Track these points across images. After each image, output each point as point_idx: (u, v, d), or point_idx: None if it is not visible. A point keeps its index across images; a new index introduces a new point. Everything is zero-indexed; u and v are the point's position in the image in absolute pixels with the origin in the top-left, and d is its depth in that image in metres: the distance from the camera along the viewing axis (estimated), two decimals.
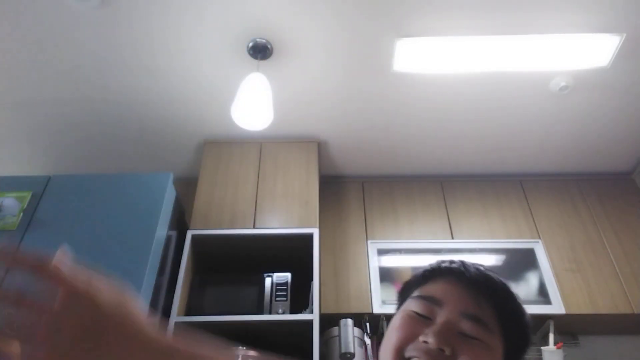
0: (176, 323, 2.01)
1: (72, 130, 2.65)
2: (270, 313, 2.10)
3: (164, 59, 2.26)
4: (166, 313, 2.01)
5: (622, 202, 2.78)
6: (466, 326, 0.62)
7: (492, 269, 0.72)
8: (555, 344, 2.30)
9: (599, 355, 2.51)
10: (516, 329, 0.66)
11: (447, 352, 0.59)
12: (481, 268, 0.71)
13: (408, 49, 2.18)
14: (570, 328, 2.48)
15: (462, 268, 0.69)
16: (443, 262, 0.73)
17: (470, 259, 2.46)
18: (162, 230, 1.97)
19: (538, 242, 2.58)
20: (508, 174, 2.96)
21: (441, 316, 0.63)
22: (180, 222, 2.30)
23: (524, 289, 2.45)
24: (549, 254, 2.54)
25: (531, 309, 2.37)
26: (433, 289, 0.68)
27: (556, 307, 2.32)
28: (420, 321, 0.64)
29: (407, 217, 2.72)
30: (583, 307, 2.35)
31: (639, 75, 2.34)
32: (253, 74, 2.13)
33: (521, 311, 0.69)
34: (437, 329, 0.61)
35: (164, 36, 2.15)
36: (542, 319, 2.37)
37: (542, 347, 2.31)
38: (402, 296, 0.74)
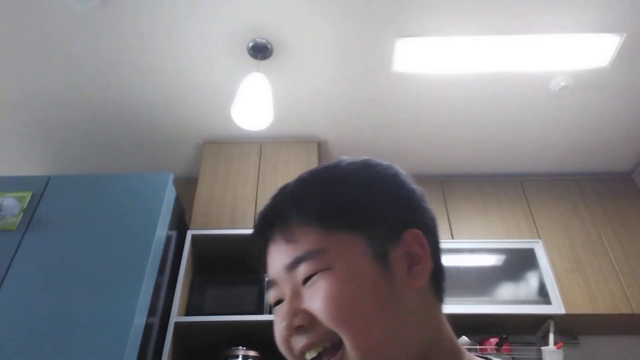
0: (176, 323, 2.01)
1: (72, 131, 2.65)
2: (270, 313, 2.10)
3: (164, 59, 2.26)
4: (166, 313, 2.01)
5: (622, 202, 2.78)
6: (299, 276, 0.50)
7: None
8: (555, 344, 2.30)
9: (599, 355, 2.51)
10: (354, 207, 0.52)
11: (300, 321, 0.49)
12: (278, 190, 0.57)
13: (408, 49, 2.18)
14: (570, 328, 2.48)
15: (256, 224, 0.57)
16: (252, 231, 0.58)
17: (470, 259, 2.45)
18: (162, 230, 1.97)
19: (538, 242, 2.58)
20: (508, 174, 2.96)
21: (283, 292, 0.52)
22: (180, 222, 2.30)
23: (524, 289, 2.45)
24: (549, 254, 2.54)
25: (531, 309, 2.37)
26: (267, 270, 0.56)
27: (556, 307, 2.32)
28: (281, 310, 0.53)
29: None
30: (583, 307, 2.35)
31: (639, 75, 2.33)
32: (253, 74, 2.12)
33: (350, 185, 0.54)
34: (282, 312, 0.51)
35: (164, 36, 2.15)
36: (542, 319, 2.38)
37: (542, 347, 2.31)
38: None
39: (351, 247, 0.50)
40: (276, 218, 0.54)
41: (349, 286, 0.48)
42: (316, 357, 0.49)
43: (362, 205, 0.52)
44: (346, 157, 0.58)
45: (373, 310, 0.47)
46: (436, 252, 0.55)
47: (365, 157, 0.58)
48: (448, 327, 0.54)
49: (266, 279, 0.56)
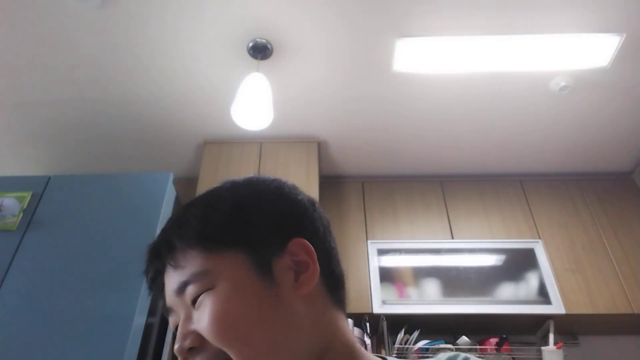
0: None
1: (72, 131, 2.65)
2: None
3: (164, 59, 2.26)
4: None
5: (622, 202, 2.78)
6: (187, 298, 0.51)
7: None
8: (555, 344, 2.30)
9: (599, 355, 2.51)
10: (229, 226, 0.53)
11: (190, 342, 0.49)
12: (170, 219, 0.58)
13: (408, 49, 2.18)
14: (570, 328, 2.48)
15: (146, 256, 0.59)
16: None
17: (470, 259, 2.46)
18: None
19: (538, 242, 2.58)
20: (508, 174, 2.96)
21: (178, 317, 0.53)
22: None
23: (524, 289, 2.45)
24: (549, 254, 2.54)
25: (531, 309, 2.37)
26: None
27: (556, 307, 2.32)
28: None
29: (407, 217, 2.72)
30: (583, 307, 2.35)
31: (639, 75, 2.33)
32: (253, 74, 2.13)
33: (225, 206, 0.55)
34: (177, 334, 0.51)
35: (164, 36, 2.15)
36: (542, 319, 2.38)
37: (542, 347, 2.31)
38: None
39: (233, 264, 0.51)
40: (163, 247, 0.55)
41: (231, 303, 0.49)
42: None
43: (240, 222, 0.53)
44: (232, 179, 0.60)
45: (257, 325, 0.48)
46: (328, 258, 0.56)
47: (250, 175, 0.61)
48: (347, 332, 0.55)
49: (165, 306, 0.56)
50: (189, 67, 2.30)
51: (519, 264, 2.54)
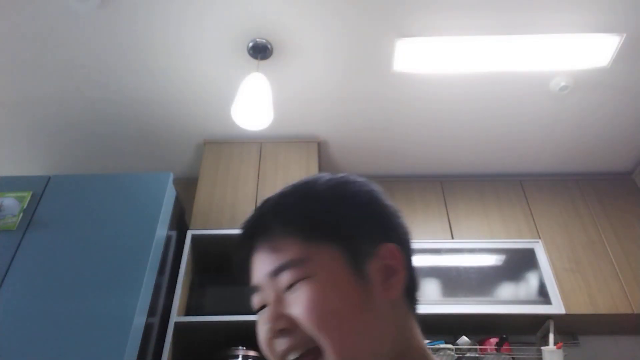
0: (176, 323, 2.01)
1: (72, 130, 2.65)
2: None
3: (164, 59, 2.26)
4: (166, 313, 2.01)
5: (622, 202, 2.78)
6: (282, 283, 0.53)
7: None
8: (555, 344, 2.30)
9: (599, 355, 2.51)
10: (333, 220, 0.55)
11: (282, 324, 0.51)
12: (263, 201, 0.60)
13: (408, 49, 2.18)
14: (570, 328, 2.48)
15: (241, 233, 0.60)
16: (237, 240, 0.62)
17: (470, 259, 2.45)
18: (162, 230, 1.97)
19: (538, 242, 2.58)
20: (508, 174, 2.96)
21: (267, 297, 0.55)
22: (180, 222, 2.30)
23: (524, 289, 2.45)
24: (549, 254, 2.54)
25: (531, 309, 2.37)
26: (251, 277, 0.59)
27: (556, 307, 2.32)
28: (264, 315, 0.55)
29: (407, 217, 2.68)
30: (583, 307, 2.35)
31: (639, 75, 2.34)
32: (253, 74, 2.13)
33: (328, 200, 0.57)
34: (265, 316, 0.53)
35: (164, 36, 2.15)
36: (542, 319, 2.37)
37: (542, 347, 2.31)
38: None
39: (331, 258, 0.53)
40: (260, 228, 0.57)
41: (328, 294, 0.51)
42: (297, 358, 0.52)
43: (340, 220, 0.56)
44: (325, 174, 0.62)
45: (349, 319, 0.50)
46: (409, 264, 0.59)
47: (343, 174, 0.62)
48: (420, 337, 0.57)
49: (251, 285, 0.58)
50: (189, 67, 2.31)
51: (518, 264, 2.54)
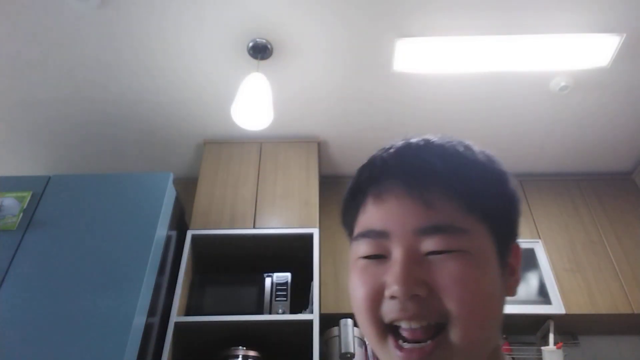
0: (176, 323, 2.01)
1: (72, 130, 2.65)
2: (270, 313, 2.10)
3: (164, 59, 2.26)
4: (166, 313, 2.01)
5: (622, 202, 2.78)
6: (429, 244, 0.47)
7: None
8: (555, 344, 2.30)
9: (599, 355, 2.51)
10: (496, 202, 0.51)
11: (422, 293, 0.46)
12: (422, 143, 0.54)
13: (408, 49, 2.18)
14: (570, 328, 2.48)
15: (385, 167, 0.52)
16: (363, 170, 0.55)
17: None
18: (162, 230, 1.97)
19: (538, 242, 2.58)
20: None
21: (395, 251, 0.48)
22: (180, 222, 2.30)
23: (523, 289, 2.45)
24: (549, 254, 2.54)
25: (531, 309, 2.36)
26: (369, 217, 0.51)
27: (556, 307, 2.32)
28: (376, 267, 0.49)
29: None
30: (583, 307, 2.35)
31: (639, 75, 2.34)
32: (253, 74, 2.13)
33: (494, 178, 0.52)
34: (396, 274, 0.46)
35: (164, 36, 2.15)
36: (542, 319, 2.38)
37: (542, 347, 2.31)
38: (348, 229, 0.57)
39: (486, 238, 0.49)
40: (420, 172, 0.50)
41: (483, 277, 0.48)
42: (411, 329, 0.47)
43: (505, 204, 0.52)
44: (468, 141, 0.56)
45: (493, 306, 0.48)
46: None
47: (482, 149, 0.56)
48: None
49: (371, 228, 0.51)
50: (189, 67, 2.31)
51: None
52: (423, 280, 0.46)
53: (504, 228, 0.51)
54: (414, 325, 0.46)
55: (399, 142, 0.56)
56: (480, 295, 0.47)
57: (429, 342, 0.46)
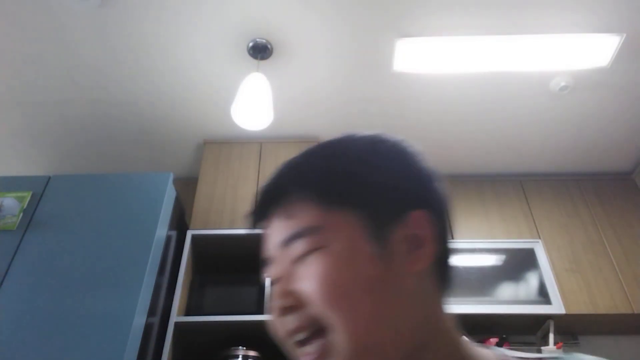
0: (176, 323, 2.01)
1: (72, 131, 2.65)
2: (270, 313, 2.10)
3: (164, 59, 2.26)
4: (166, 313, 2.01)
5: (622, 202, 2.78)
6: (293, 252, 0.47)
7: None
8: (555, 344, 2.30)
9: (599, 355, 2.50)
10: (353, 186, 0.49)
11: (290, 301, 0.46)
12: (286, 164, 0.53)
13: (408, 49, 2.18)
14: (570, 328, 2.48)
15: (258, 197, 0.53)
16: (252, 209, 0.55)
17: (470, 259, 2.45)
18: (162, 230, 1.97)
19: (538, 242, 2.58)
20: (508, 174, 2.96)
21: (278, 270, 0.50)
22: (180, 222, 2.30)
23: (524, 289, 2.45)
24: (549, 254, 2.54)
25: (531, 309, 2.36)
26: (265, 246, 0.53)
27: (556, 307, 2.32)
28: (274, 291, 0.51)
29: None
30: (583, 307, 2.35)
31: (639, 75, 2.33)
32: (253, 74, 2.13)
33: (343, 163, 0.51)
34: (275, 291, 0.48)
35: (164, 36, 2.15)
36: (542, 319, 2.38)
37: (542, 347, 2.31)
38: None
39: (350, 226, 0.47)
40: (277, 191, 0.51)
41: (342, 268, 0.45)
42: (305, 339, 0.46)
43: (364, 182, 0.49)
44: (353, 133, 0.56)
45: (365, 295, 0.44)
46: (443, 236, 0.51)
47: (377, 131, 0.56)
48: (450, 321, 0.50)
49: (264, 256, 0.53)
50: (189, 67, 2.31)
51: (519, 264, 2.54)
52: (289, 291, 0.46)
53: (377, 205, 0.48)
54: (302, 335, 0.46)
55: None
56: (342, 288, 0.44)
57: (318, 350, 0.45)
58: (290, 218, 0.49)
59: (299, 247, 0.47)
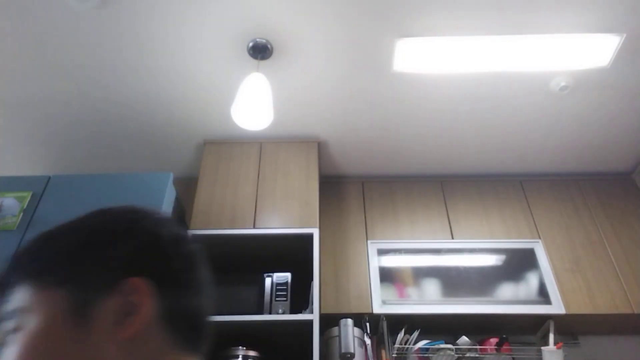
0: None
1: (73, 130, 2.66)
2: (270, 313, 2.10)
3: (164, 59, 2.26)
4: None
5: (622, 202, 2.78)
6: (3, 331, 0.50)
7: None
8: (555, 344, 2.30)
9: (599, 355, 2.51)
10: (62, 264, 0.51)
11: None
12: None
13: (408, 49, 2.18)
14: (570, 328, 2.48)
15: None
16: None
17: (470, 259, 2.45)
18: None
19: (538, 242, 2.58)
20: (508, 174, 2.96)
21: None
22: (180, 222, 2.30)
23: (524, 289, 2.45)
24: (549, 254, 2.54)
25: (531, 309, 2.37)
26: None
27: (556, 307, 2.32)
28: None
29: (407, 217, 2.72)
30: (583, 307, 2.35)
31: (639, 75, 2.34)
32: (253, 74, 2.13)
33: (54, 243, 0.54)
34: None
35: (164, 36, 2.16)
36: (542, 319, 2.38)
37: (542, 347, 2.31)
38: None
39: (51, 303, 0.49)
40: (1, 280, 0.53)
41: (36, 346, 0.47)
42: None
43: (72, 259, 0.51)
44: (102, 208, 0.59)
45: None
46: (181, 297, 0.54)
47: (127, 205, 0.59)
48: None
49: None
50: (189, 67, 2.31)
51: (519, 264, 2.54)
52: None
53: (82, 280, 0.50)
54: None
55: None
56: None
57: None
58: (5, 302, 0.51)
59: (7, 327, 0.49)
